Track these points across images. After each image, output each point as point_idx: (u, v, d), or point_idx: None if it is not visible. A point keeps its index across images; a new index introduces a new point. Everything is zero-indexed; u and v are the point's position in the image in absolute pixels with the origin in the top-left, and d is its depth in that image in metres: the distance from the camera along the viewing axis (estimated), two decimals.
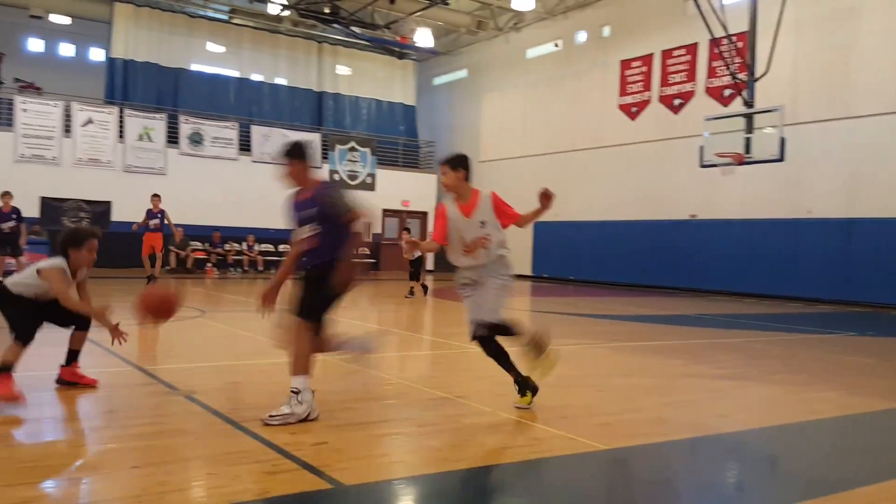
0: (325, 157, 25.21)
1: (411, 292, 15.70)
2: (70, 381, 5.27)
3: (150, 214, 15.58)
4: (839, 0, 16.89)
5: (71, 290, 5.16)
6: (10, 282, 5.13)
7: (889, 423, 5.36)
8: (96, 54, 25.64)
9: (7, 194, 13.73)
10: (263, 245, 22.93)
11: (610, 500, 3.55)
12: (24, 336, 4.87)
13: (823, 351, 9.24)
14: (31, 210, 20.15)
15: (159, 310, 4.96)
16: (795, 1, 16.28)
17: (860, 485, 3.64)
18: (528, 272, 24.17)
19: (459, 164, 5.19)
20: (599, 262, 21.76)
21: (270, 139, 24.33)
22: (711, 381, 6.95)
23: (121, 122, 21.80)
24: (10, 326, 4.94)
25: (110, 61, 23.83)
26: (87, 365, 6.38)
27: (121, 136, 21.73)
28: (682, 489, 3.77)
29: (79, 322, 5.31)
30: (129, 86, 23.73)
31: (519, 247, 21.93)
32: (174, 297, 5.05)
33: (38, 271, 5.02)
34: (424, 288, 15.93)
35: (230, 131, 23.64)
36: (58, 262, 5.10)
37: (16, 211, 13.83)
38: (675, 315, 13.77)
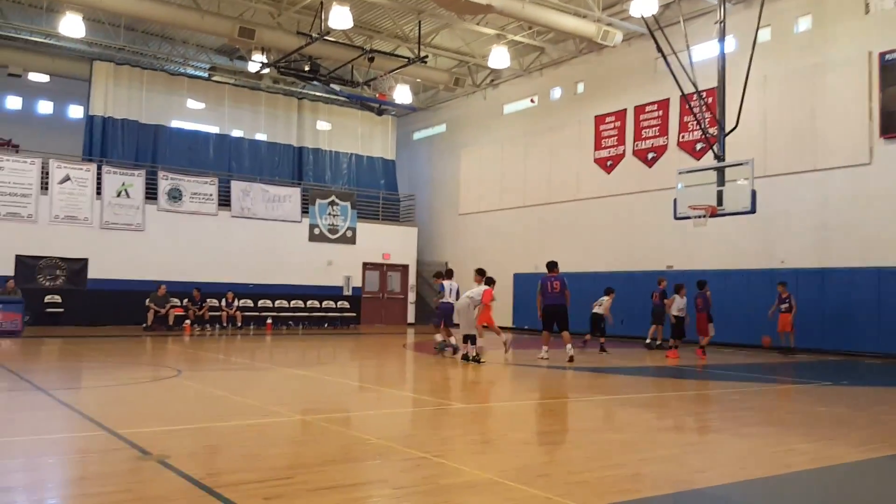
0: (305, 211, 25.31)
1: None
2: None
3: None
4: (804, 57, 17.53)
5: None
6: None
7: (865, 476, 5.38)
8: (75, 111, 25.78)
9: None
10: (242, 301, 22.76)
11: None
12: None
13: (797, 402, 9.30)
14: (5, 268, 19.95)
15: None
16: (762, 58, 16.88)
17: None
18: (510, 324, 24.17)
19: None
20: (578, 314, 21.78)
21: (250, 194, 24.43)
22: (685, 434, 6.96)
23: (98, 178, 21.80)
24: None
25: (89, 118, 23.96)
26: (58, 429, 6.28)
27: (98, 193, 21.70)
28: None
29: None
30: (107, 142, 23.82)
31: (499, 298, 22.03)
32: None
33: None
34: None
35: (209, 186, 23.71)
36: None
37: None
38: (654, 367, 13.81)
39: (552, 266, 13.78)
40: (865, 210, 16.14)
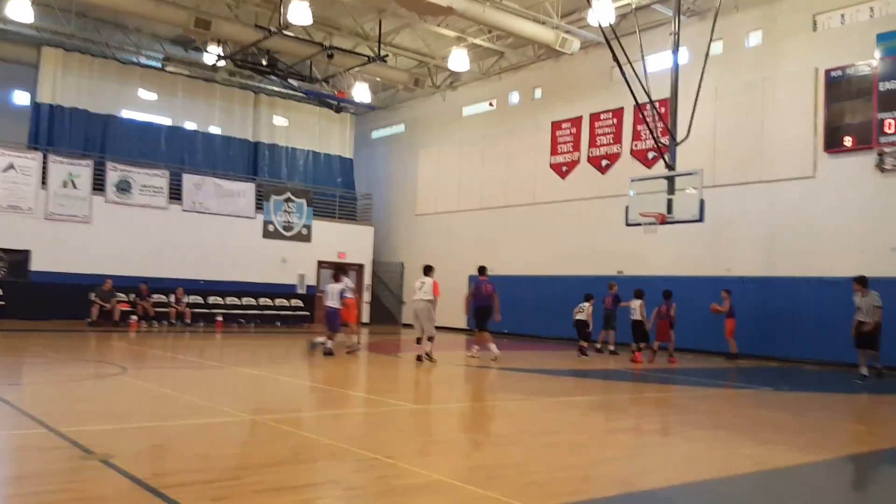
0: (259, 207, 24.95)
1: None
2: None
3: None
4: (754, 71, 18.04)
5: None
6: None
7: (806, 479, 5.57)
8: (21, 98, 24.88)
9: None
10: (192, 297, 22.28)
11: None
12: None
13: (741, 407, 9.56)
14: None
15: None
16: (714, 70, 17.30)
17: None
18: (463, 325, 24.23)
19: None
20: (533, 316, 22.03)
21: (202, 188, 23.96)
22: (635, 436, 7.09)
23: (44, 168, 21.11)
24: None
25: (35, 106, 23.17)
26: None
27: (43, 183, 21.02)
28: None
29: None
30: (54, 131, 23.06)
31: (453, 299, 22.15)
32: None
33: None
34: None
35: (160, 179, 23.17)
36: None
37: None
38: (608, 370, 14.02)
39: (483, 270, 14.88)
40: (809, 222, 16.68)
